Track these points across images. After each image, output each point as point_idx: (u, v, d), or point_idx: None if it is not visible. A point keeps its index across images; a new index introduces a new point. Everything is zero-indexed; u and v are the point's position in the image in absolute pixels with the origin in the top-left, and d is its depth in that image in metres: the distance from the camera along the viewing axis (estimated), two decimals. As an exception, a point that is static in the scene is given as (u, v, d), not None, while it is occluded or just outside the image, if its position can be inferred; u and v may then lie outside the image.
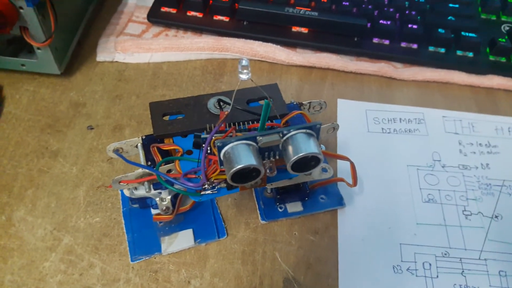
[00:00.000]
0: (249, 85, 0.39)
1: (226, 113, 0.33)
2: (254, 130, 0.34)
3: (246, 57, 0.54)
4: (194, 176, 0.33)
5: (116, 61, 0.53)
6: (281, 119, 0.37)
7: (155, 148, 0.35)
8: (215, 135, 0.32)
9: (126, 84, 0.51)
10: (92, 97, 0.50)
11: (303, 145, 0.29)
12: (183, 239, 0.39)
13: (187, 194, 0.34)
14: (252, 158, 0.29)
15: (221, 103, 0.36)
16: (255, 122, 0.35)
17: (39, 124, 0.47)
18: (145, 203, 0.40)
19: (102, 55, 0.53)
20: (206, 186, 0.32)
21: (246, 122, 0.35)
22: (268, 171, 0.32)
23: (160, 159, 0.34)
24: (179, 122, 0.36)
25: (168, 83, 0.51)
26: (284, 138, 0.30)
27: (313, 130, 0.30)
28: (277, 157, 0.31)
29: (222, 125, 0.33)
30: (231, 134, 0.32)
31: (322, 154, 0.30)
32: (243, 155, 0.28)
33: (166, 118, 0.37)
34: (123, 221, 0.41)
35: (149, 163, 0.35)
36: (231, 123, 0.35)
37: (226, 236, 0.40)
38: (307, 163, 0.31)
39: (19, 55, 0.49)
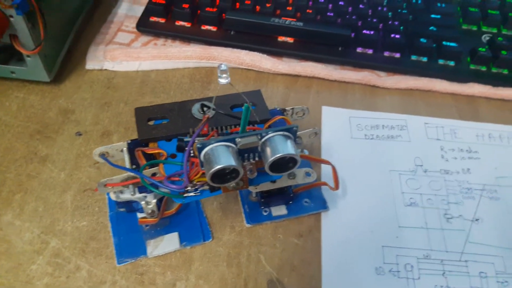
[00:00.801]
0: (235, 91, 0.40)
1: (207, 116, 0.33)
2: (236, 133, 0.35)
3: (233, 65, 0.55)
4: (177, 178, 0.34)
5: (105, 69, 0.54)
6: (264, 124, 0.38)
7: (139, 152, 0.36)
8: (198, 138, 0.32)
9: (115, 91, 0.52)
10: (81, 104, 0.50)
11: (281, 146, 0.30)
12: (169, 242, 0.40)
13: (171, 196, 0.34)
14: (231, 158, 0.29)
15: (204, 108, 0.37)
16: (237, 126, 0.36)
17: (28, 130, 0.47)
18: (131, 207, 0.41)
19: (91, 63, 0.54)
20: (189, 188, 0.33)
21: (228, 126, 0.36)
22: (248, 172, 0.33)
23: (145, 163, 0.35)
24: (163, 127, 0.37)
25: (156, 91, 0.52)
26: (263, 140, 0.31)
27: (290, 132, 0.31)
28: (256, 159, 0.32)
29: (205, 128, 0.33)
30: (213, 137, 0.32)
31: (299, 155, 0.31)
32: (222, 156, 0.29)
33: (151, 123, 0.38)
34: (109, 224, 0.41)
35: (134, 166, 0.36)
36: (214, 127, 0.35)
37: (211, 239, 0.41)
38: (285, 164, 0.32)
39: (9, 63, 0.49)
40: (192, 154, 0.33)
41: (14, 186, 0.43)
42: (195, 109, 0.38)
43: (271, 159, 0.30)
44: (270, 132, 0.31)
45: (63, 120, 0.49)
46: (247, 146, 0.30)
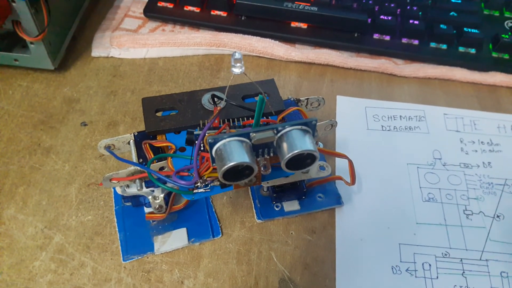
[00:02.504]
0: (245, 80, 0.38)
1: (219, 108, 0.32)
2: (249, 126, 0.33)
3: (244, 52, 0.53)
4: (187, 174, 0.32)
5: (112, 57, 0.52)
6: (278, 115, 0.36)
7: (147, 144, 0.34)
8: (208, 131, 0.31)
9: (121, 80, 0.50)
10: (87, 93, 0.49)
11: (298, 142, 0.28)
12: (177, 238, 0.39)
13: (179, 193, 0.33)
14: (245, 155, 0.28)
15: (215, 99, 0.35)
16: (250, 118, 0.34)
17: (32, 120, 0.46)
18: (138, 201, 0.39)
19: (97, 51, 0.52)
20: (198, 184, 0.31)
21: (240, 118, 0.34)
22: (262, 169, 0.31)
23: (152, 156, 0.33)
24: (172, 118, 0.35)
25: (164, 79, 0.50)
26: (279, 134, 0.29)
27: (308, 127, 0.29)
28: (271, 155, 0.30)
29: (216, 121, 0.32)
30: (224, 130, 0.30)
31: (317, 152, 0.29)
32: (235, 152, 0.27)
33: (159, 114, 0.36)
34: (115, 219, 0.40)
35: (141, 160, 0.34)
36: (225, 119, 0.34)
37: (221, 235, 0.39)
38: (302, 160, 0.30)
39: (13, 50, 0.48)
40: (202, 149, 0.31)
41: (17, 179, 0.42)
42: (205, 99, 0.36)
43: (288, 155, 0.28)
44: (287, 126, 0.29)
45: (67, 109, 0.47)
46: (262, 141, 0.29)
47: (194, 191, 0.32)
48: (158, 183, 0.32)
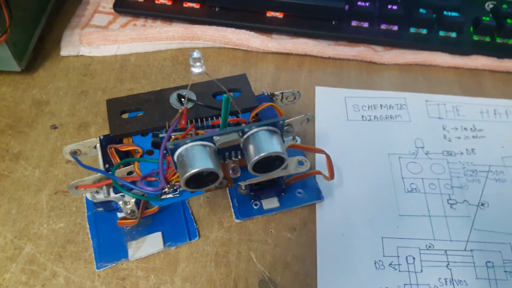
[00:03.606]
0: (219, 75, 0.36)
1: (181, 110, 0.30)
2: (218, 126, 0.31)
3: (219, 44, 0.51)
4: (154, 179, 0.30)
5: (82, 55, 0.50)
6: (251, 112, 0.35)
7: (112, 149, 0.32)
8: (175, 133, 0.29)
9: (92, 79, 0.48)
10: (56, 94, 0.47)
11: (265, 144, 0.27)
12: (152, 243, 0.37)
13: (147, 199, 0.31)
14: (208, 160, 0.26)
15: (182, 99, 0.33)
16: (219, 117, 0.33)
17: (-1, 125, 0.44)
18: (110, 206, 0.38)
19: (66, 49, 0.50)
20: (166, 189, 0.30)
21: (210, 118, 0.32)
22: (231, 172, 0.29)
23: (118, 161, 0.32)
24: (138, 120, 0.33)
25: (136, 76, 0.49)
26: (245, 136, 0.27)
27: (276, 127, 0.28)
28: (239, 157, 0.29)
29: (183, 122, 0.30)
30: (191, 132, 0.29)
31: (286, 153, 0.28)
32: (198, 158, 0.26)
33: (125, 116, 0.35)
34: (88, 226, 0.38)
35: (107, 165, 0.33)
36: (193, 120, 0.32)
37: (198, 237, 0.38)
38: (270, 163, 0.28)
39: (-24, 53, 0.46)
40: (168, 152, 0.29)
41: (-15, 188, 0.40)
42: (174, 98, 0.35)
43: (254, 158, 0.27)
44: (254, 127, 0.27)
45: (37, 112, 0.45)
46: (227, 144, 0.27)
47: (162, 197, 0.31)
48: (124, 191, 0.30)
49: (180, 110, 0.30)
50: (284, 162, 0.29)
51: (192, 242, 0.38)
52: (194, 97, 0.35)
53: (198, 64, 0.27)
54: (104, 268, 0.36)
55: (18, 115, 0.45)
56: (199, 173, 0.26)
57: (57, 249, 0.37)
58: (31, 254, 0.37)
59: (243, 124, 0.29)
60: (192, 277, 0.36)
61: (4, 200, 0.39)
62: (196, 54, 0.27)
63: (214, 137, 0.26)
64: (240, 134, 0.27)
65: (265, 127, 0.27)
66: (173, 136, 0.29)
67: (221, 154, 0.28)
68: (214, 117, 0.33)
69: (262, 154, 0.27)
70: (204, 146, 0.26)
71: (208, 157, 0.26)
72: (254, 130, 0.27)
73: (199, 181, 0.27)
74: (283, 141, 0.29)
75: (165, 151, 0.29)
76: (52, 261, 0.37)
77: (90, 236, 0.38)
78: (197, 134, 0.29)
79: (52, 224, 0.38)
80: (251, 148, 0.27)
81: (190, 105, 0.33)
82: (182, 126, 0.30)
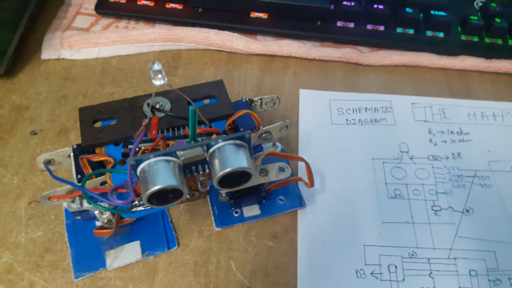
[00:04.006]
0: (196, 81, 0.35)
1: (144, 123, 0.29)
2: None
3: (202, 46, 0.50)
4: (126, 190, 0.30)
5: (63, 58, 0.49)
6: (227, 120, 0.34)
7: (84, 159, 0.32)
8: (144, 144, 0.28)
9: (73, 83, 0.48)
10: (37, 99, 0.46)
11: (231, 158, 0.26)
12: (130, 252, 0.37)
13: (117, 212, 0.31)
14: (171, 177, 0.25)
15: (153, 108, 0.32)
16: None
17: (-22, 131, 0.44)
18: (88, 215, 0.37)
19: (47, 53, 0.49)
20: (136, 202, 0.29)
21: (182, 127, 0.32)
22: (200, 186, 0.29)
23: (90, 172, 0.31)
24: (110, 129, 0.33)
25: (118, 80, 0.48)
26: (210, 150, 0.27)
27: (243, 141, 0.27)
28: (207, 171, 0.28)
29: (154, 132, 0.29)
30: (159, 144, 0.28)
31: (252, 169, 0.27)
32: (159, 175, 0.25)
33: (99, 124, 0.34)
34: (66, 234, 0.38)
35: (79, 176, 0.32)
36: (165, 130, 0.31)
37: (177, 246, 0.37)
38: (236, 178, 0.28)
39: (-46, 57, 0.45)
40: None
41: (-38, 196, 0.40)
42: (147, 106, 0.34)
43: (219, 174, 0.26)
44: (219, 141, 0.26)
45: (16, 118, 0.45)
46: (192, 160, 0.26)
47: (133, 210, 0.30)
48: (94, 204, 0.30)
49: (144, 123, 0.29)
50: (251, 177, 0.28)
51: (171, 251, 0.37)
52: (168, 104, 0.34)
53: (159, 76, 0.26)
54: (82, 278, 0.36)
55: (-3, 121, 0.44)
56: (161, 190, 0.25)
57: (35, 258, 0.37)
58: (8, 263, 0.36)
59: (214, 135, 0.29)
60: (170, 287, 0.36)
61: (-18, 209, 0.39)
62: (156, 67, 0.26)
63: (178, 152, 0.26)
64: (205, 148, 0.26)
65: (231, 141, 0.27)
66: (143, 147, 0.29)
67: (187, 168, 0.27)
68: (187, 127, 0.32)
69: (227, 170, 0.26)
70: (168, 161, 0.26)
71: (171, 173, 0.25)
72: (220, 144, 0.26)
73: (163, 197, 0.27)
74: (251, 154, 0.28)
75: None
76: (30, 270, 0.36)
77: (68, 245, 0.37)
78: (167, 145, 0.29)
79: (31, 232, 0.38)
80: (216, 163, 0.26)
81: (162, 114, 0.32)
82: (153, 136, 0.30)
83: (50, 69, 0.49)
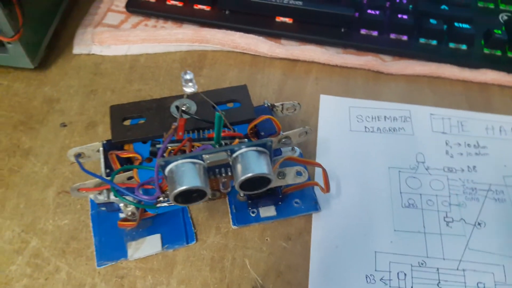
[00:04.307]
0: (219, 86, 0.37)
1: (173, 127, 0.31)
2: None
3: (227, 48, 0.51)
4: (151, 186, 0.32)
5: (93, 54, 0.51)
6: (249, 124, 0.35)
7: (113, 155, 0.34)
8: (171, 145, 0.30)
9: (102, 78, 0.49)
10: (67, 92, 0.48)
11: (253, 164, 0.28)
12: (151, 244, 0.38)
13: (143, 207, 0.32)
14: (197, 178, 0.27)
15: (180, 109, 0.34)
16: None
17: (12, 120, 0.46)
18: (112, 207, 0.39)
19: (78, 48, 0.51)
20: (161, 198, 0.31)
21: (206, 130, 0.33)
22: (221, 187, 0.30)
23: (118, 167, 0.33)
24: (139, 128, 0.35)
25: (145, 77, 0.50)
26: (234, 155, 0.28)
27: (265, 148, 0.29)
28: (229, 174, 0.30)
29: (181, 133, 0.31)
30: (185, 145, 0.30)
31: (272, 175, 0.28)
32: (186, 176, 0.27)
33: (128, 122, 0.36)
34: (91, 224, 0.40)
35: (108, 170, 0.34)
36: (190, 131, 0.33)
37: (195, 241, 0.39)
38: (257, 182, 0.29)
39: (-8, 48, 0.47)
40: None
41: (-4, 182, 0.42)
42: (174, 107, 0.36)
43: (240, 178, 0.27)
44: (242, 147, 0.28)
45: (48, 109, 0.47)
46: (216, 163, 0.28)
47: (158, 205, 0.32)
48: (121, 198, 0.32)
49: (173, 126, 0.31)
50: (271, 183, 0.29)
51: (190, 246, 0.39)
52: (194, 106, 0.35)
53: (190, 84, 0.28)
54: (104, 266, 0.38)
55: (30, 112, 0.46)
56: (187, 190, 0.27)
57: (61, 244, 0.39)
58: (36, 248, 0.38)
59: (237, 140, 0.30)
60: (187, 280, 0.37)
61: (14, 195, 0.41)
62: (188, 76, 0.28)
63: (204, 156, 0.27)
64: (229, 153, 0.28)
65: (254, 148, 0.28)
66: (169, 147, 0.30)
67: (211, 170, 0.29)
68: (211, 129, 0.33)
69: (249, 175, 0.27)
70: (194, 163, 0.27)
71: (196, 175, 0.27)
72: (243, 150, 0.28)
73: (188, 196, 0.28)
74: (271, 161, 0.29)
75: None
76: (56, 256, 0.38)
77: (92, 234, 0.39)
78: (192, 146, 0.30)
79: (58, 220, 0.40)
80: (239, 167, 0.28)
81: (187, 116, 0.34)
82: (179, 137, 0.31)
83: (81, 63, 0.51)
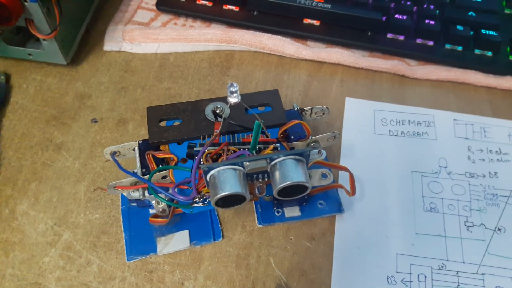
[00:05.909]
0: (251, 90, 0.37)
1: (215, 134, 0.32)
2: (249, 143, 0.33)
3: (255, 49, 0.52)
4: (186, 187, 0.33)
5: (124, 51, 0.53)
6: (280, 128, 0.36)
7: (150, 155, 0.35)
8: (208, 148, 0.31)
9: (132, 75, 0.51)
10: (98, 88, 0.50)
11: (291, 172, 0.29)
12: (179, 240, 0.40)
13: (178, 207, 0.34)
14: (238, 185, 0.28)
15: (215, 112, 0.35)
16: (250, 133, 0.35)
17: (45, 115, 0.47)
18: (143, 202, 0.41)
19: (109, 45, 0.52)
20: (197, 199, 0.32)
21: (241, 135, 0.34)
22: (257, 191, 0.32)
23: (155, 167, 0.34)
24: (175, 129, 0.36)
25: (174, 76, 0.51)
26: (272, 163, 0.29)
27: (303, 157, 0.30)
28: (266, 179, 0.31)
29: (216, 137, 0.32)
30: (223, 149, 0.31)
31: (309, 183, 0.30)
32: (228, 182, 0.28)
33: (163, 123, 0.37)
34: (121, 219, 0.41)
35: (144, 169, 0.35)
36: (226, 134, 0.34)
37: (221, 238, 0.40)
38: (294, 189, 0.30)
39: (27, 44, 0.49)
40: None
41: (30, 175, 0.43)
42: (209, 110, 0.37)
43: (279, 186, 0.29)
44: (281, 156, 0.29)
45: (79, 105, 0.48)
46: (256, 170, 0.29)
47: (193, 205, 0.33)
48: (158, 197, 0.33)
49: (215, 134, 0.32)
50: (307, 190, 0.30)
51: (216, 242, 0.40)
52: (228, 109, 0.36)
53: (234, 95, 0.29)
54: (134, 260, 0.39)
55: (62, 107, 0.48)
56: (228, 195, 0.28)
57: (92, 238, 0.40)
58: (68, 241, 0.40)
59: (271, 146, 0.31)
60: (214, 276, 0.39)
61: (47, 188, 0.43)
62: (233, 88, 0.29)
63: (245, 163, 0.29)
64: (268, 161, 0.29)
65: (292, 156, 0.29)
66: (206, 151, 0.31)
67: (249, 176, 0.30)
68: (245, 135, 0.35)
69: (288, 183, 0.29)
70: (235, 170, 0.29)
71: (237, 181, 0.28)
72: (282, 158, 0.29)
73: (228, 201, 0.30)
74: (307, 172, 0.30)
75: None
76: (87, 249, 0.40)
77: (122, 228, 0.41)
78: (229, 150, 0.32)
79: (89, 214, 0.42)
80: (277, 175, 0.29)
81: (221, 119, 0.35)
82: (216, 141, 0.33)
83: (112, 60, 0.52)
